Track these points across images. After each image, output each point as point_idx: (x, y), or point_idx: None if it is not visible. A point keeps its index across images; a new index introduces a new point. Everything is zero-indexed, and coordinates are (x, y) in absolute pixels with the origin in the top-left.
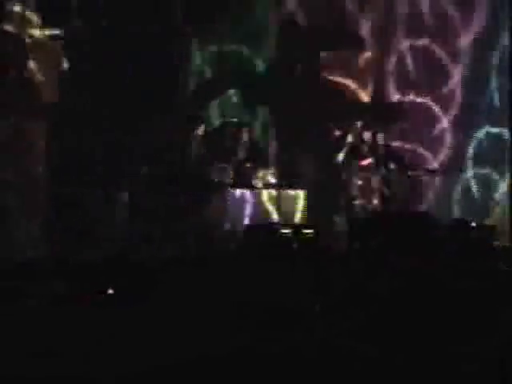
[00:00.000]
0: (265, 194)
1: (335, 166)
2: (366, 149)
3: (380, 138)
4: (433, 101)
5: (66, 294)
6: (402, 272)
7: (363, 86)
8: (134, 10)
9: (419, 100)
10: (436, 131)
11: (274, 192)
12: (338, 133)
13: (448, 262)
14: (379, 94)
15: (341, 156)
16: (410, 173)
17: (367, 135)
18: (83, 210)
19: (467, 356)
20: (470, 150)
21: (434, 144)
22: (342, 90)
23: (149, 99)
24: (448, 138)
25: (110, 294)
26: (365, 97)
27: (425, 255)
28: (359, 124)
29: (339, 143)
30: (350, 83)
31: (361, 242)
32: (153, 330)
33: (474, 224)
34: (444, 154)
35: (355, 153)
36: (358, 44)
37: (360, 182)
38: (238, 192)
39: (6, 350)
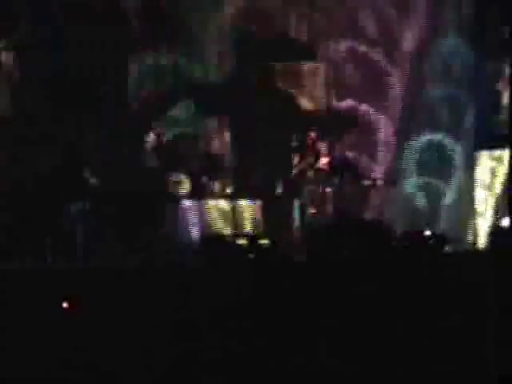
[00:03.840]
0: (220, 205)
1: (291, 176)
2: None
3: (333, 147)
4: (373, 108)
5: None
6: (360, 279)
7: (309, 95)
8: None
9: (359, 107)
10: (377, 139)
11: (228, 203)
12: (293, 143)
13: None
14: (327, 103)
15: (296, 166)
16: (362, 182)
17: (321, 145)
18: (41, 221)
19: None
20: (412, 158)
21: (376, 152)
22: (294, 101)
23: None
24: (390, 146)
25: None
26: (313, 106)
27: (381, 263)
28: (313, 134)
29: (295, 153)
30: (298, 93)
31: (318, 250)
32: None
33: (427, 233)
34: (387, 163)
35: (311, 162)
36: (305, 53)
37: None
38: (192, 203)
39: None
